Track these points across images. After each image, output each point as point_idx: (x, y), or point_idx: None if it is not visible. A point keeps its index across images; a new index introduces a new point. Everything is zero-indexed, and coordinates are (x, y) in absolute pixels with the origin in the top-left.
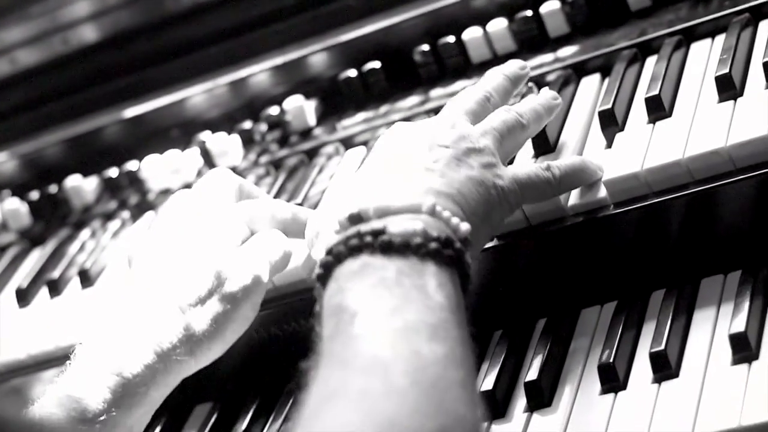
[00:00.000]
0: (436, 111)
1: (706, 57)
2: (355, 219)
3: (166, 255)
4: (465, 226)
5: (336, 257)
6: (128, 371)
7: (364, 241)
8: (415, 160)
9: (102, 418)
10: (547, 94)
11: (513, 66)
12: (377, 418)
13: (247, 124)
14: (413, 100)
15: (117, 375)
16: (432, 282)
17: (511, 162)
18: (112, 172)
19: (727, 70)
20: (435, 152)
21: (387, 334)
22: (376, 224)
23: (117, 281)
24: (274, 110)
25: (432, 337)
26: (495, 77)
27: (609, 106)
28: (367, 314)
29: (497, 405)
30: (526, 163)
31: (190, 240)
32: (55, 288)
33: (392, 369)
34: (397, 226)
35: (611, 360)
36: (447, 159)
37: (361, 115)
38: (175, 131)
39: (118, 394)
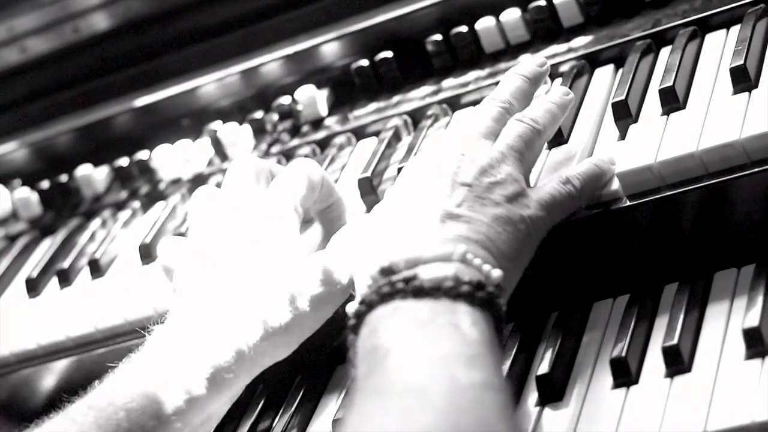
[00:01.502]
0: (448, 101)
1: (720, 48)
2: (387, 272)
3: (235, 256)
4: (497, 273)
5: (368, 305)
6: (221, 359)
7: (395, 287)
8: (440, 203)
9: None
10: (558, 91)
11: (532, 65)
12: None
13: (259, 114)
14: (425, 89)
15: (209, 363)
16: (466, 320)
17: None
18: (123, 162)
19: (741, 62)
20: (458, 193)
21: (423, 363)
22: (407, 273)
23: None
24: (285, 100)
25: (468, 365)
26: (513, 81)
27: (623, 97)
28: (401, 348)
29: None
30: (546, 182)
31: (258, 238)
32: (65, 278)
33: (430, 392)
34: (428, 273)
35: (623, 354)
36: (471, 201)
37: (373, 105)
38: (186, 121)
39: (210, 379)
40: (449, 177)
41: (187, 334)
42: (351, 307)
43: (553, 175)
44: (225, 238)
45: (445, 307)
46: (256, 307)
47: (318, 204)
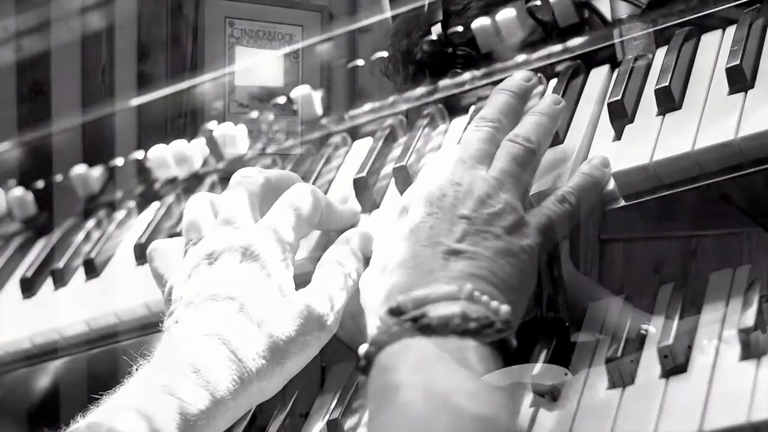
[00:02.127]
0: (443, 101)
1: (716, 48)
2: (395, 312)
3: (217, 306)
4: (505, 308)
5: (378, 346)
6: (193, 407)
7: (404, 326)
8: (441, 239)
9: None
10: (547, 101)
11: (517, 80)
12: None
13: (254, 114)
14: (421, 89)
15: (180, 413)
16: (473, 356)
17: None
18: (118, 162)
19: (737, 62)
20: (458, 227)
21: (428, 399)
22: (415, 312)
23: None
24: (281, 100)
25: (473, 400)
26: (500, 97)
27: (618, 97)
28: (408, 386)
29: None
30: (542, 203)
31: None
32: (60, 278)
33: (433, 426)
34: (436, 311)
35: (619, 354)
36: (472, 235)
37: (369, 105)
38: (181, 120)
39: (180, 423)
40: (448, 211)
41: (163, 375)
42: (362, 349)
43: (549, 198)
44: (212, 280)
45: (453, 344)
46: (236, 358)
47: (321, 226)
